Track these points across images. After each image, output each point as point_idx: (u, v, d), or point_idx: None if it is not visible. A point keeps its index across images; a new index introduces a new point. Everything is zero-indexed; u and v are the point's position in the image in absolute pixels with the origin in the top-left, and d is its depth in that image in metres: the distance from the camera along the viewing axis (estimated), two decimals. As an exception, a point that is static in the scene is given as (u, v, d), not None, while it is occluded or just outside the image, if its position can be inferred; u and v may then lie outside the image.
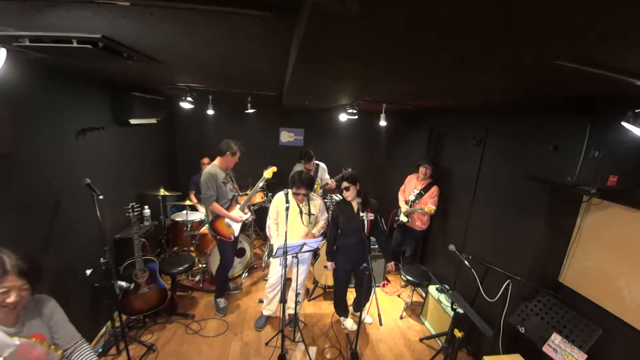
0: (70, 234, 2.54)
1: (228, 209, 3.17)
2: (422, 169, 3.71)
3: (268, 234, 3.12)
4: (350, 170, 4.24)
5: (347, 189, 2.78)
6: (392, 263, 3.00)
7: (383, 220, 2.97)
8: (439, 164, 3.95)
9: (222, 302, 3.39)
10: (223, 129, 5.07)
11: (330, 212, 3.31)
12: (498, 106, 2.73)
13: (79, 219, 2.61)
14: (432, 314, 3.35)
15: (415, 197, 3.74)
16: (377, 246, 3.66)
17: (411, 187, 3.90)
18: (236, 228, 3.23)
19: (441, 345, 2.77)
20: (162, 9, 0.97)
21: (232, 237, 3.21)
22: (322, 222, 3.07)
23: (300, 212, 2.94)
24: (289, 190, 2.90)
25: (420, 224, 3.77)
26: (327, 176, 4.52)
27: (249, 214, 3.36)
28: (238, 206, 3.27)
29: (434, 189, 3.65)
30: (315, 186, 4.41)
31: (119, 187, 3.32)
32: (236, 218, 3.18)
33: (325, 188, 4.49)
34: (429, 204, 3.53)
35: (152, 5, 0.94)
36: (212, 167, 3.08)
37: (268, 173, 3.52)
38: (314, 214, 2.98)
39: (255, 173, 4.83)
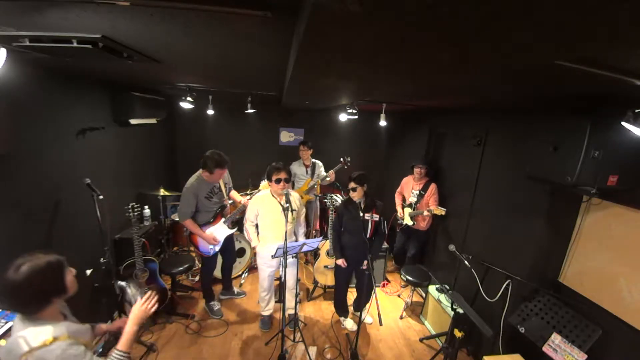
0: (70, 234, 2.54)
1: (212, 222, 3.06)
2: (416, 170, 3.72)
3: (247, 237, 2.94)
4: (349, 159, 4.21)
5: (354, 189, 2.75)
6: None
7: (385, 223, 2.95)
8: (439, 164, 3.96)
9: (214, 305, 3.35)
10: (223, 129, 5.08)
11: (331, 212, 3.28)
12: (498, 106, 2.73)
13: (79, 219, 2.61)
14: (432, 314, 3.35)
15: (417, 199, 3.73)
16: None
17: (409, 188, 3.89)
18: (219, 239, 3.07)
19: (441, 345, 2.77)
20: (162, 9, 0.97)
21: (212, 252, 3.08)
22: (302, 217, 2.99)
23: (283, 209, 2.79)
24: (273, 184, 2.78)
25: (424, 224, 3.78)
26: (324, 172, 4.47)
27: (234, 230, 3.24)
28: (222, 220, 3.13)
29: (432, 187, 3.66)
30: (315, 186, 4.40)
31: (119, 187, 3.32)
32: (210, 240, 2.95)
33: (325, 183, 4.41)
34: (436, 204, 3.50)
35: (152, 5, 0.94)
36: (196, 180, 2.85)
37: (266, 185, 3.28)
38: (295, 209, 2.86)
39: (255, 173, 4.84)
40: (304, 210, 3.03)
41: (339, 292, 3.21)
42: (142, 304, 1.50)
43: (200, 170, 2.89)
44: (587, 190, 1.77)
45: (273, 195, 2.83)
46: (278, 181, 2.73)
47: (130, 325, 1.44)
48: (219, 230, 3.11)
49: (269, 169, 2.79)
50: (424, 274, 3.43)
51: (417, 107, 3.49)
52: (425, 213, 3.55)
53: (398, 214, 4.01)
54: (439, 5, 0.65)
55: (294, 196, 2.92)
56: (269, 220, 2.83)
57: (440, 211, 3.34)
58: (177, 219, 4.08)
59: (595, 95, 1.65)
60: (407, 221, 3.82)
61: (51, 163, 2.34)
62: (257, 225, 2.94)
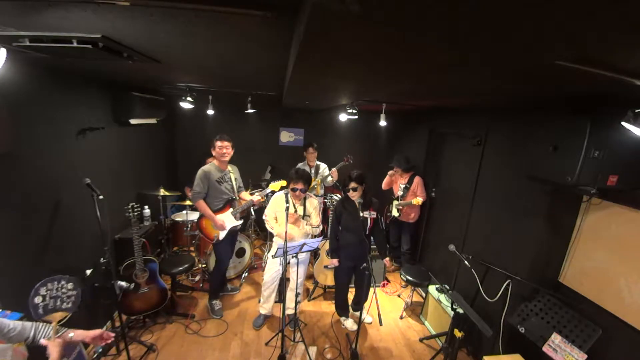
0: (71, 234, 2.54)
1: (220, 210, 3.12)
2: (395, 169, 4.16)
3: (268, 227, 3.03)
4: (351, 158, 4.31)
5: (354, 189, 2.77)
6: (388, 259, 2.99)
7: (382, 219, 2.99)
8: (439, 164, 3.99)
9: (217, 304, 3.36)
10: (223, 129, 5.06)
11: (331, 212, 3.31)
12: (498, 106, 2.73)
13: (79, 219, 2.61)
14: (432, 314, 3.35)
15: (403, 192, 4.03)
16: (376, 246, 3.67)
17: (397, 184, 4.21)
18: (222, 232, 3.14)
19: (441, 345, 2.77)
20: (162, 9, 0.97)
21: (215, 239, 3.14)
22: (313, 219, 3.02)
23: (296, 212, 2.93)
24: (289, 191, 2.90)
25: (413, 215, 4.04)
26: (327, 173, 4.50)
27: (240, 221, 3.28)
28: (230, 210, 3.19)
29: (417, 180, 4.01)
30: (316, 185, 4.41)
31: (119, 187, 3.32)
32: (217, 223, 3.06)
33: (328, 183, 4.44)
34: (423, 195, 3.92)
35: (152, 5, 0.95)
36: (208, 165, 3.09)
37: (275, 186, 3.43)
38: (308, 215, 2.98)
39: (255, 173, 4.84)
40: (317, 218, 3.08)
41: (339, 291, 3.21)
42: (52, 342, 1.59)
43: (210, 159, 3.23)
44: (587, 190, 1.77)
45: (289, 196, 2.91)
46: (294, 190, 2.87)
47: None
48: (227, 219, 3.17)
49: (290, 174, 2.93)
50: (424, 274, 3.43)
51: (417, 107, 3.50)
52: (395, 203, 4.03)
53: (391, 206, 4.32)
54: (439, 6, 0.65)
55: (313, 201, 3.04)
56: (283, 220, 2.86)
57: (417, 201, 3.81)
58: (179, 219, 4.11)
59: (595, 95, 1.65)
60: (394, 212, 4.14)
61: (51, 163, 2.34)
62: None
